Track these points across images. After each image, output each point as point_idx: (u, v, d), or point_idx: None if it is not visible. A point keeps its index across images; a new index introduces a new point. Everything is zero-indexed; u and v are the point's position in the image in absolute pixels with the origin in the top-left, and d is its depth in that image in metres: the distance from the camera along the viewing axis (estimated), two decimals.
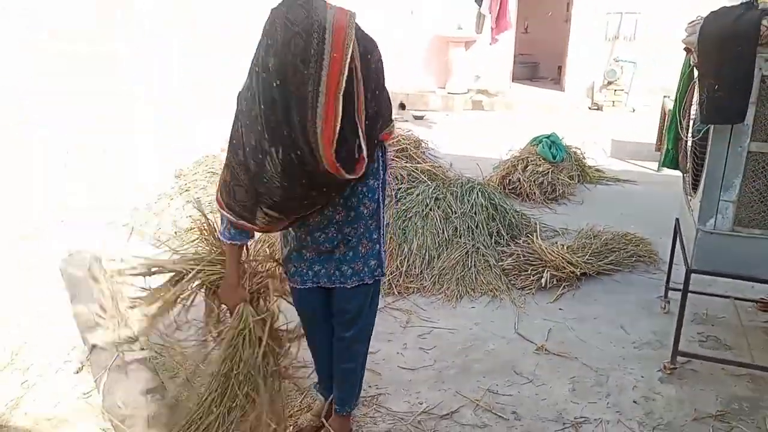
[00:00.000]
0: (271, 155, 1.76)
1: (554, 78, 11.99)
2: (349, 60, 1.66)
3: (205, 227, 2.37)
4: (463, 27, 10.14)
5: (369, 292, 2.27)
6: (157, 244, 4.34)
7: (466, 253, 4.03)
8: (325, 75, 1.64)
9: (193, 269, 2.23)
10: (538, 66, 12.70)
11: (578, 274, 3.91)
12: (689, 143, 2.97)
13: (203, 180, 5.02)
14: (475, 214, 4.29)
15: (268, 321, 2.25)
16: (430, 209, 4.25)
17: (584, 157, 6.37)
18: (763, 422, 2.61)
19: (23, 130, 4.37)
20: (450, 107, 10.29)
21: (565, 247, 4.10)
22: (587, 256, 4.05)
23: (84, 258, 3.57)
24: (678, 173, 3.36)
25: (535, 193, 5.55)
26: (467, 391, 2.85)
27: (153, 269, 2.30)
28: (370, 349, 2.53)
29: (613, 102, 9.98)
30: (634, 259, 4.22)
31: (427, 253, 4.02)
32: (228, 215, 1.98)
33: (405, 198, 4.36)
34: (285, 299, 2.39)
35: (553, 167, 5.80)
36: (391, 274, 3.87)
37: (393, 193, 4.32)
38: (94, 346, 2.87)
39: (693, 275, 2.82)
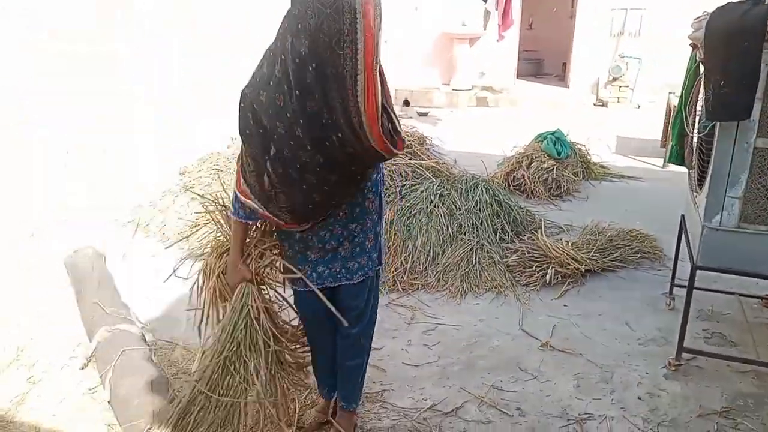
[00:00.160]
0: (304, 143, 1.77)
1: (559, 74, 11.96)
2: (380, 37, 1.68)
3: (220, 217, 2.37)
4: (468, 24, 10.12)
5: (372, 283, 2.29)
6: (164, 240, 4.36)
7: (470, 250, 4.03)
8: (361, 53, 1.65)
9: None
10: (543, 62, 12.67)
11: (583, 270, 3.90)
12: (695, 139, 2.95)
13: (207, 177, 5.02)
14: (480, 210, 4.29)
15: (270, 305, 2.24)
16: (435, 206, 4.25)
17: (589, 154, 6.35)
18: None
19: (23, 130, 4.38)
20: (454, 104, 10.28)
21: (569, 244, 4.09)
22: (592, 253, 4.04)
23: (88, 254, 3.59)
24: (683, 169, 3.35)
25: (539, 189, 5.53)
26: (472, 387, 2.85)
27: None
28: (374, 346, 2.54)
29: (618, 98, 9.95)
30: (639, 255, 4.21)
31: (431, 250, 4.02)
32: (254, 204, 2.01)
33: (409, 195, 4.36)
34: (291, 286, 2.33)
35: (558, 164, 5.78)
36: (396, 270, 3.87)
37: (397, 190, 4.32)
38: (99, 342, 2.89)
39: (698, 272, 2.81)
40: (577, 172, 5.94)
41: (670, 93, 6.29)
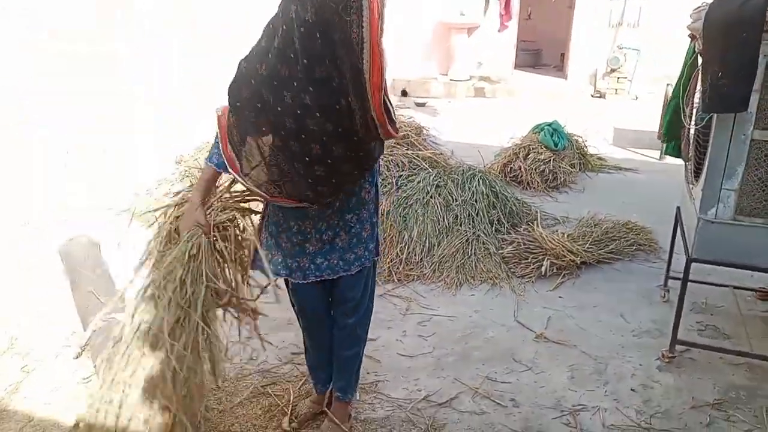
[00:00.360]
0: (312, 111, 1.76)
1: (557, 65, 11.91)
2: (384, 5, 1.68)
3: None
4: (466, 13, 10.06)
5: (368, 274, 2.29)
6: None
7: (466, 241, 4.03)
8: (367, 21, 1.65)
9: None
10: (541, 53, 12.60)
11: (578, 262, 3.91)
12: (692, 131, 2.95)
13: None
14: (476, 201, 4.28)
15: (223, 258, 2.07)
16: (431, 197, 4.24)
17: (586, 145, 6.34)
18: (761, 411, 2.62)
19: (23, 130, 4.34)
20: (452, 94, 10.24)
21: (565, 236, 4.09)
22: (588, 245, 4.04)
23: (83, 242, 3.57)
24: (680, 162, 3.34)
25: (536, 181, 5.53)
26: (466, 378, 2.85)
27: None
28: (369, 336, 2.54)
29: (616, 90, 9.91)
30: (634, 247, 4.22)
31: (427, 241, 4.01)
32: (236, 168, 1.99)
33: (406, 185, 4.35)
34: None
35: (555, 155, 5.77)
36: (391, 261, 3.87)
37: (394, 180, 4.31)
38: (93, 332, 2.87)
39: (693, 264, 2.81)
40: (574, 164, 5.93)
41: (668, 85, 6.25)
